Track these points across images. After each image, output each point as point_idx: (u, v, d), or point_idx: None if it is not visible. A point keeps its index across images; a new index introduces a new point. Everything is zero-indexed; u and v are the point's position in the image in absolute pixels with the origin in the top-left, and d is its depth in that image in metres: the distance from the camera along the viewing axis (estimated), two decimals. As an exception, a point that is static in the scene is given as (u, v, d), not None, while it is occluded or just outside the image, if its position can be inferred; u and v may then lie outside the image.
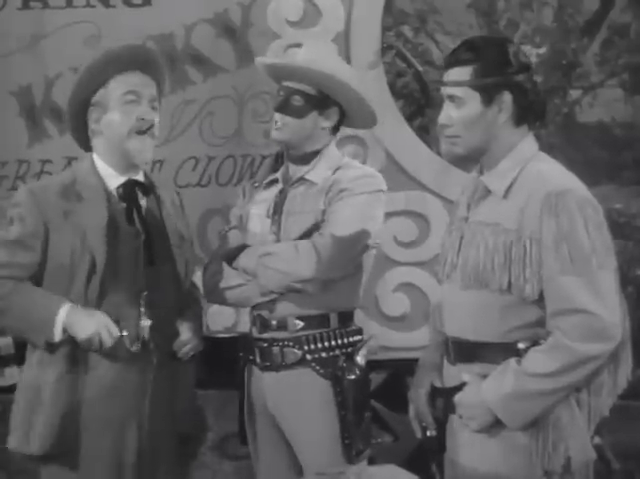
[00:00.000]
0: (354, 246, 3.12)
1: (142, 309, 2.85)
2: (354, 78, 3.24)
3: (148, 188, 3.00)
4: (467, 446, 2.63)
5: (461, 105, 2.62)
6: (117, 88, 2.90)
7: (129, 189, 2.95)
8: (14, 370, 4.54)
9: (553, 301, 2.52)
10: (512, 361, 2.55)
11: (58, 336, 2.81)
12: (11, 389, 4.55)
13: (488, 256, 2.58)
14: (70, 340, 2.82)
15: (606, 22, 8.71)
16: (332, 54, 3.32)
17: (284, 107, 3.18)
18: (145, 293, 2.86)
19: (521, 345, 2.56)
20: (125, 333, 2.82)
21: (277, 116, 3.19)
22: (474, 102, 2.61)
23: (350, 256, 3.13)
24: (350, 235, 3.10)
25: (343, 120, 3.26)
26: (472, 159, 2.72)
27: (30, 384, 2.88)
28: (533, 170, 2.60)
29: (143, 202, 2.98)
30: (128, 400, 2.87)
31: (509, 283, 2.55)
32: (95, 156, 2.98)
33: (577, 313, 2.48)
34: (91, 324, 2.78)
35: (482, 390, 2.56)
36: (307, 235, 3.12)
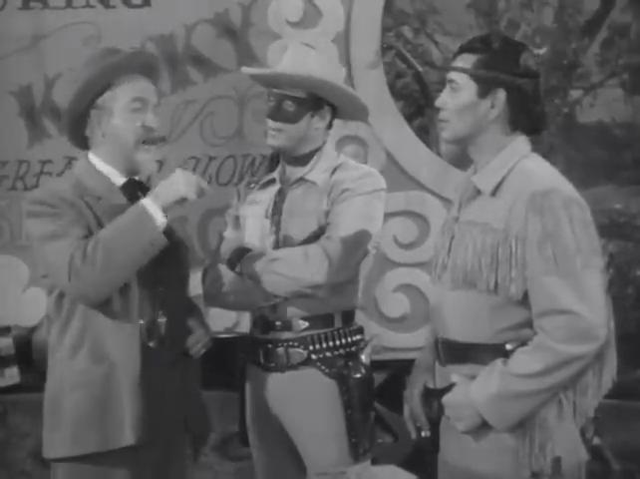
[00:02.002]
0: (360, 248, 3.12)
1: (158, 305, 2.85)
2: (339, 75, 3.22)
3: (146, 188, 3.00)
4: (458, 447, 2.63)
5: (457, 91, 2.63)
6: (124, 94, 2.87)
7: (132, 188, 2.95)
8: (14, 370, 4.54)
9: (538, 302, 2.51)
10: (498, 362, 2.54)
11: (161, 220, 2.76)
12: (11, 389, 4.55)
13: (476, 257, 2.57)
14: (90, 339, 2.80)
15: (606, 22, 8.72)
16: (315, 56, 3.30)
17: (277, 114, 3.15)
18: (160, 289, 2.86)
19: (509, 346, 2.55)
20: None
21: (270, 123, 3.16)
22: (469, 91, 2.62)
23: (357, 258, 3.13)
24: (356, 237, 3.09)
25: (336, 115, 3.25)
26: (459, 147, 2.71)
27: (55, 387, 2.85)
28: (522, 169, 2.60)
29: (142, 201, 2.98)
30: (146, 397, 2.84)
31: (496, 284, 2.54)
32: (91, 156, 2.95)
33: (561, 314, 2.47)
34: (179, 189, 2.76)
35: (470, 391, 2.56)
36: (313, 238, 3.10)
